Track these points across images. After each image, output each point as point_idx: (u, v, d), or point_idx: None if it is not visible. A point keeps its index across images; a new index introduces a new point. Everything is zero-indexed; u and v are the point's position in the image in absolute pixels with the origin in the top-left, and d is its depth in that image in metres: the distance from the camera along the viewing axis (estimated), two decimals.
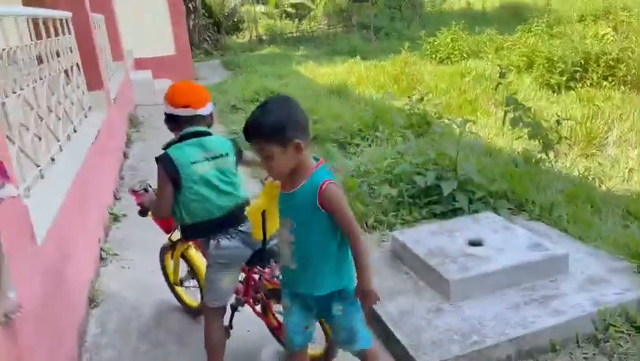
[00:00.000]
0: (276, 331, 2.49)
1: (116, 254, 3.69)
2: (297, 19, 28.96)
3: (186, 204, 2.10)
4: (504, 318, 2.49)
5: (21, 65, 3.02)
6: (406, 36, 18.29)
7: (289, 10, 28.65)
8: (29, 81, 3.16)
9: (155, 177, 2.14)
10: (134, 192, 2.49)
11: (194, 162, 2.08)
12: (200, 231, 2.18)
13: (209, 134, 2.20)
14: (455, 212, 3.66)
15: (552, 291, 2.69)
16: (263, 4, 29.31)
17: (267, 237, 2.18)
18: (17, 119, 2.77)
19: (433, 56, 13.01)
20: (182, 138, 2.14)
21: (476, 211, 3.59)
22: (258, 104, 1.78)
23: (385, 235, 3.46)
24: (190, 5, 18.68)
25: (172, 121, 2.20)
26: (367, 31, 19.42)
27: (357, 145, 5.37)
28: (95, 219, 3.73)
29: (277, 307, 2.40)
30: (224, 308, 2.31)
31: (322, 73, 12.18)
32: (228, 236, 2.16)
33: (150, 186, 2.48)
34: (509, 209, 3.68)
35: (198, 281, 2.71)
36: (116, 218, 4.26)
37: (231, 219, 2.16)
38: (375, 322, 2.64)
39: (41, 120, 3.27)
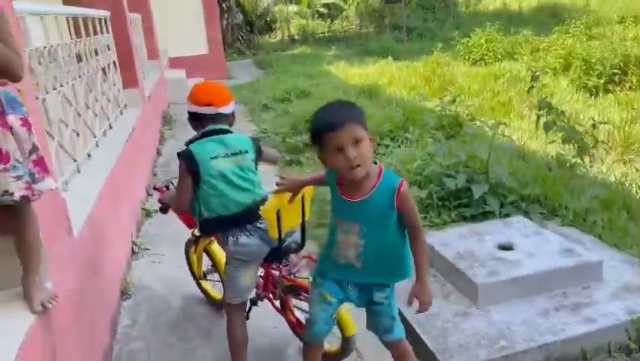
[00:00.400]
0: (296, 327, 2.52)
1: (148, 249, 3.77)
2: (329, 19, 28.99)
3: (204, 198, 2.15)
4: (533, 324, 2.45)
5: (61, 63, 3.12)
6: (439, 37, 18.10)
7: (321, 10, 28.69)
8: (69, 79, 3.27)
9: None
10: (155, 188, 2.61)
11: (213, 158, 2.13)
12: (218, 226, 2.21)
13: (230, 132, 2.25)
14: (486, 215, 3.61)
15: (584, 298, 2.63)
16: (295, 3, 29.44)
17: (282, 235, 2.22)
18: (57, 115, 2.87)
19: (467, 57, 12.85)
20: (204, 135, 2.20)
21: (507, 215, 3.54)
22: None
23: None
24: (224, 5, 18.92)
25: (195, 119, 2.27)
26: (400, 31, 19.30)
27: (387, 146, 5.34)
28: (127, 214, 3.83)
29: (295, 303, 2.48)
30: (244, 304, 2.35)
31: (353, 73, 12.16)
32: (247, 233, 2.20)
33: (172, 184, 2.55)
34: (541, 214, 3.61)
35: (220, 275, 2.76)
36: (148, 213, 4.35)
37: (249, 215, 2.20)
38: (401, 323, 2.63)
39: (79, 117, 3.37)
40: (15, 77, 1.55)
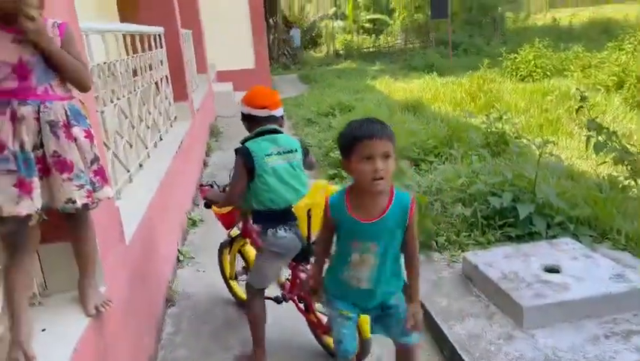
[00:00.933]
0: (317, 328, 2.63)
1: (192, 258, 3.87)
2: (373, 35, 29.14)
3: (256, 192, 2.33)
4: (581, 350, 2.37)
5: (119, 78, 3.28)
6: (486, 52, 17.88)
7: (366, 25, 28.89)
8: (125, 92, 3.43)
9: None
10: (201, 186, 2.80)
11: (267, 155, 2.32)
12: (264, 218, 2.38)
13: (281, 132, 2.43)
14: (532, 236, 3.52)
15: (636, 326, 2.52)
16: (341, 19, 29.78)
17: (311, 235, 2.35)
18: (113, 126, 3.02)
19: (514, 73, 12.60)
20: (258, 134, 2.38)
21: (554, 237, 3.44)
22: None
23: (456, 256, 3.40)
24: (271, 20, 19.33)
25: (250, 120, 2.46)
26: (445, 47, 19.17)
27: (431, 162, 5.30)
28: (174, 223, 3.95)
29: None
30: (265, 289, 2.56)
31: (397, 88, 12.15)
32: (286, 227, 2.35)
33: (216, 183, 2.78)
34: (591, 236, 3.49)
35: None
36: (194, 223, 4.47)
37: (291, 212, 2.37)
38: (442, 342, 2.60)
39: (133, 128, 3.52)
40: (84, 88, 1.68)
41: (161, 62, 4.99)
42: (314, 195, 2.29)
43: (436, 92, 10.76)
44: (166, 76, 5.12)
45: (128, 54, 3.80)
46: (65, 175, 1.56)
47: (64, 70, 1.59)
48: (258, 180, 2.31)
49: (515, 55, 12.90)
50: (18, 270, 1.55)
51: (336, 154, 5.92)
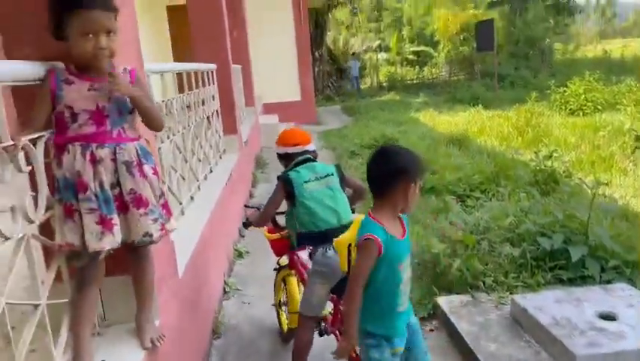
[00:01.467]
0: None
1: (238, 289, 3.93)
2: (417, 66, 29.25)
3: (299, 216, 2.54)
4: None
5: (175, 115, 3.44)
6: (533, 85, 17.62)
7: (410, 57, 29.07)
8: (179, 127, 3.58)
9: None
10: (246, 206, 3.12)
11: (306, 182, 2.55)
12: (308, 240, 2.56)
13: (316, 161, 2.70)
14: (584, 280, 3.41)
15: None
16: (385, 51, 30.10)
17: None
18: (168, 161, 3.15)
19: (563, 107, 12.34)
20: (296, 165, 2.63)
21: (609, 281, 3.32)
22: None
23: (505, 298, 3.32)
24: (317, 53, 19.74)
25: (286, 158, 2.73)
26: (490, 79, 19.02)
27: (477, 199, 5.23)
28: (222, 254, 4.04)
29: None
30: (315, 318, 2.61)
31: (442, 121, 12.11)
32: (331, 248, 2.42)
33: (260, 208, 2.91)
34: None
35: (290, 307, 2.97)
36: (240, 254, 4.56)
37: (333, 234, 2.39)
38: None
39: (186, 162, 3.66)
40: (158, 127, 1.87)
41: (213, 97, 5.19)
42: (355, 230, 2.19)
43: (482, 126, 10.66)
44: (217, 110, 5.31)
45: (182, 91, 3.99)
46: (142, 210, 1.67)
47: (144, 113, 1.73)
48: (300, 206, 2.51)
49: (564, 88, 12.66)
50: (85, 303, 1.64)
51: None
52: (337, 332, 2.66)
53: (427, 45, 28.49)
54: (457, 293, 3.43)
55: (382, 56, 29.64)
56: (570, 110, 12.12)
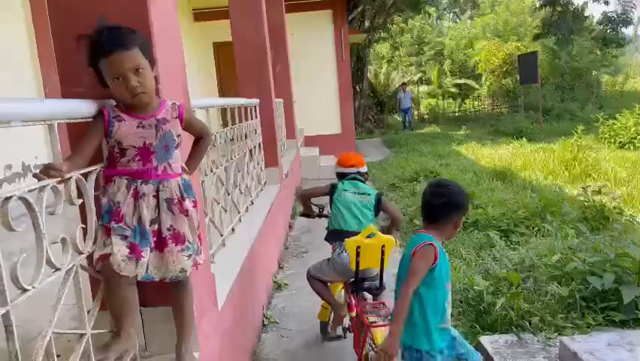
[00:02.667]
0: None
1: (276, 322, 3.92)
2: (459, 99, 29.07)
3: (333, 214, 3.23)
4: None
5: (219, 148, 3.53)
6: (580, 118, 17.22)
7: (452, 90, 28.94)
8: (222, 161, 3.67)
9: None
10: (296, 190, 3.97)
11: (345, 191, 3.23)
12: (335, 236, 3.19)
13: (363, 182, 3.33)
14: (638, 322, 3.22)
15: None
16: (426, 84, 30.09)
17: (360, 270, 2.92)
18: (210, 194, 3.22)
19: (612, 140, 11.96)
20: (346, 178, 3.32)
21: None
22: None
23: (552, 339, 3.17)
24: (357, 87, 19.95)
25: (342, 177, 3.37)
26: (535, 111, 18.66)
27: (522, 235, 5.08)
28: (261, 287, 4.05)
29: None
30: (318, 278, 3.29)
31: (484, 154, 11.92)
32: (346, 253, 2.97)
33: (324, 208, 3.60)
34: None
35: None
36: (278, 286, 4.56)
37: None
38: None
39: (228, 195, 3.73)
40: (210, 139, 2.08)
41: (256, 130, 5.30)
42: (364, 236, 2.88)
43: (526, 159, 10.42)
44: (259, 143, 5.41)
45: (226, 125, 4.09)
46: (179, 247, 1.71)
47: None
48: (334, 207, 3.22)
49: (613, 121, 12.28)
50: (117, 300, 1.65)
51: (421, 221, 5.85)
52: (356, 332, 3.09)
53: (469, 78, 28.34)
54: (501, 333, 3.30)
55: (424, 88, 29.63)
56: (620, 143, 11.73)
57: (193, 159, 1.98)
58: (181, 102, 1.86)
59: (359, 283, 3.01)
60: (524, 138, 13.66)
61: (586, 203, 5.27)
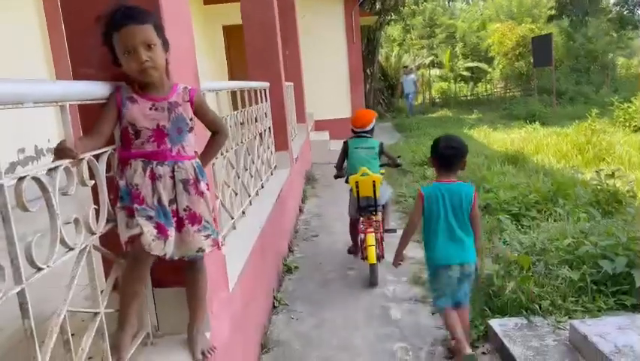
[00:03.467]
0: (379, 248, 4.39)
1: (287, 305, 3.95)
2: (471, 82, 28.76)
3: (348, 164, 4.55)
4: None
5: (229, 131, 3.53)
6: (594, 101, 16.95)
7: (464, 73, 28.62)
8: (233, 144, 3.67)
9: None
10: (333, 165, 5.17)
11: (355, 148, 4.49)
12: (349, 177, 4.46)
13: (369, 137, 4.55)
14: None
15: None
16: (438, 67, 29.79)
17: (360, 198, 4.35)
18: (221, 177, 3.24)
19: (627, 124, 11.77)
20: (357, 135, 4.56)
21: None
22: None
23: (563, 323, 3.17)
24: (368, 71, 19.79)
25: (353, 132, 4.61)
26: (548, 95, 18.40)
27: (533, 218, 5.05)
28: (271, 269, 4.08)
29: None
30: (353, 218, 4.60)
31: (496, 138, 11.80)
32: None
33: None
34: None
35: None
36: (289, 269, 4.59)
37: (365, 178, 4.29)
38: None
39: (238, 178, 3.75)
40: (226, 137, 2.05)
41: (266, 114, 5.30)
42: (360, 175, 4.26)
43: (539, 143, 10.30)
44: (269, 127, 5.41)
45: (237, 108, 4.10)
46: (196, 227, 1.74)
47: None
48: (348, 159, 4.55)
49: (628, 104, 12.08)
50: (133, 280, 1.69)
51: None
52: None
53: (481, 61, 27.99)
54: (511, 316, 3.31)
55: (435, 72, 29.34)
56: (635, 127, 11.54)
57: (206, 155, 1.96)
58: (192, 86, 1.86)
59: (362, 207, 4.34)
60: (537, 122, 13.49)
61: (599, 187, 5.21)
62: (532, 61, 19.70)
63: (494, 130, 13.32)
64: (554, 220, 4.81)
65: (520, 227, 4.83)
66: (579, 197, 5.21)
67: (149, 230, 1.61)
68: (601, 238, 3.80)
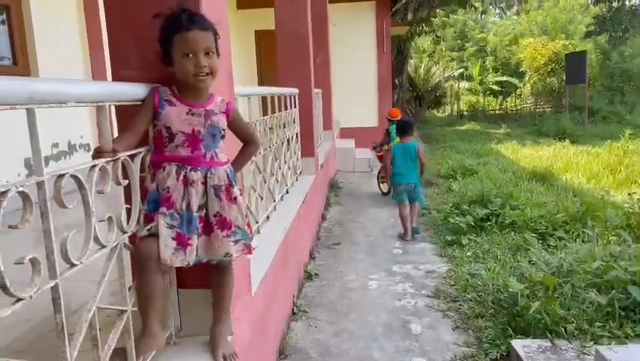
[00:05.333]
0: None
1: (306, 311, 3.95)
2: (500, 97, 28.42)
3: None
4: None
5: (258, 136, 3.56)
6: (627, 121, 16.61)
7: (493, 87, 28.31)
8: (261, 149, 3.70)
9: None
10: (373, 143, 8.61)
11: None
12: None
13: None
14: None
15: None
16: (467, 80, 29.54)
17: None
18: (248, 181, 3.26)
19: None
20: (392, 123, 7.35)
21: None
22: None
23: (588, 348, 3.08)
24: (397, 80, 19.75)
25: (388, 121, 7.75)
26: (580, 112, 18.07)
27: (560, 239, 4.94)
28: (292, 275, 4.08)
29: None
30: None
31: (525, 154, 11.64)
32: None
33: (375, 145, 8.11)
34: None
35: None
36: (309, 276, 4.58)
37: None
38: None
39: (265, 183, 3.77)
40: (257, 149, 2.09)
41: (294, 120, 5.32)
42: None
43: (568, 162, 10.12)
44: (297, 133, 5.43)
45: (266, 113, 4.13)
46: (225, 232, 1.75)
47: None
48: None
49: None
50: (146, 288, 1.66)
51: (456, 220, 5.77)
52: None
53: (512, 75, 27.66)
54: (534, 337, 3.24)
55: (464, 85, 29.10)
56: None
57: (237, 164, 1.97)
58: (227, 94, 1.90)
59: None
60: (567, 140, 13.26)
61: (631, 210, 5.08)
62: (564, 77, 19.37)
63: (523, 146, 13.13)
64: (582, 242, 4.70)
65: (546, 247, 4.73)
66: (609, 219, 5.08)
67: (167, 244, 1.62)
68: (631, 263, 3.70)
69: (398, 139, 6.17)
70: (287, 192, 4.68)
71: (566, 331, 3.24)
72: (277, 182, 4.28)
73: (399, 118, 7.39)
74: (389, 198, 7.77)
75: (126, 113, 1.71)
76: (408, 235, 5.70)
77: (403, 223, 5.74)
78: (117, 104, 1.56)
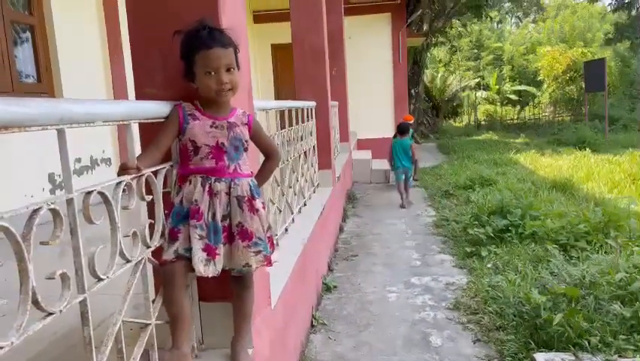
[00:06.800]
0: None
1: (325, 324, 3.94)
2: (518, 106, 28.19)
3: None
4: None
5: None
6: None
7: (511, 96, 28.11)
8: (279, 162, 3.73)
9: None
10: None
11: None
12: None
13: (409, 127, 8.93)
14: None
15: None
16: (484, 89, 29.38)
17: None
18: (267, 194, 3.29)
19: None
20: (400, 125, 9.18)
21: None
22: None
23: None
24: (413, 91, 19.72)
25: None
26: (600, 121, 17.83)
27: (582, 250, 4.87)
28: (311, 288, 4.09)
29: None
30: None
31: (544, 164, 11.50)
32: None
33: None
34: None
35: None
36: (328, 288, 4.58)
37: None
38: None
39: (283, 195, 3.79)
40: (278, 162, 2.16)
41: (311, 132, 5.36)
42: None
43: (589, 171, 9.97)
44: (314, 146, 5.46)
45: (284, 126, 4.17)
46: (246, 243, 1.78)
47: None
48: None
49: None
50: (174, 303, 1.70)
51: (475, 231, 5.73)
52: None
53: (530, 84, 27.45)
54: (558, 351, 3.19)
55: (481, 94, 28.95)
56: None
57: (259, 178, 2.00)
58: (247, 107, 1.94)
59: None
60: (588, 149, 13.09)
61: None
62: (583, 85, 19.17)
63: (542, 155, 13.00)
64: (605, 253, 4.63)
65: (568, 258, 4.67)
66: (633, 230, 4.99)
67: (198, 256, 1.66)
68: None
69: (399, 136, 8.58)
70: (305, 205, 4.70)
71: (589, 344, 3.18)
72: (295, 194, 4.30)
73: (411, 122, 9.46)
74: (406, 210, 7.77)
75: (149, 129, 1.76)
76: (404, 203, 8.02)
77: (401, 196, 8.12)
78: (142, 122, 1.60)
